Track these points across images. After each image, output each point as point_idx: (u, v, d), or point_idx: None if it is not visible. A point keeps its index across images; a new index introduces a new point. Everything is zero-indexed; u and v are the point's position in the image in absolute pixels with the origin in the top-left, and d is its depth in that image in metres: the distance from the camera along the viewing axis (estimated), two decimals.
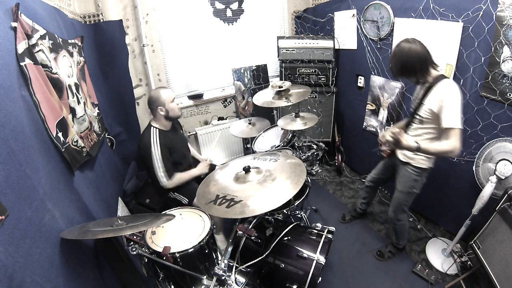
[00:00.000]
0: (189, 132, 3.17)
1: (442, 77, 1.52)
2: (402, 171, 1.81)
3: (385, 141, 1.55)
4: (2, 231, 0.77)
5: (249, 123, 2.69)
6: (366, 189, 2.33)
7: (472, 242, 1.69)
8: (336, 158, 3.26)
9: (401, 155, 1.81)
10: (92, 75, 1.99)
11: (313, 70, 3.03)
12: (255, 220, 1.65)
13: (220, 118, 3.28)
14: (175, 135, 2.05)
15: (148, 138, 1.85)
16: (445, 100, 1.45)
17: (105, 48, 2.35)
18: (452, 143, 1.43)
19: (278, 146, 2.41)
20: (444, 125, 1.45)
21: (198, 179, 2.02)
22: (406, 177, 1.78)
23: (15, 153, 0.88)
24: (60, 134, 1.20)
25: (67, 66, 1.47)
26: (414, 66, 1.50)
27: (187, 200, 2.03)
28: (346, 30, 2.81)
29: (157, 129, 1.90)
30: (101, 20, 2.30)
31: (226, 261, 1.40)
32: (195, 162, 2.26)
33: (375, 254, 2.14)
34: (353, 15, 2.64)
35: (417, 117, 1.62)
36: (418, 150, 1.48)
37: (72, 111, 1.43)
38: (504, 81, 1.64)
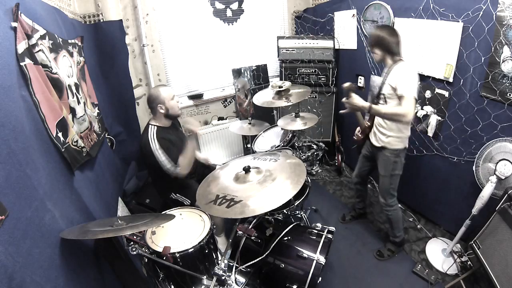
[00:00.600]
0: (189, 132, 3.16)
1: (401, 60, 1.74)
2: (381, 156, 1.92)
3: (345, 102, 1.75)
4: (2, 231, 0.77)
5: (249, 123, 2.68)
6: (356, 186, 2.37)
7: (472, 242, 1.69)
8: (336, 158, 3.26)
9: (375, 141, 1.92)
10: (92, 75, 1.99)
11: (313, 70, 3.03)
12: (255, 220, 1.65)
13: (220, 118, 3.28)
14: (174, 132, 2.04)
15: (146, 137, 1.85)
16: (401, 74, 1.64)
17: (105, 48, 2.35)
18: (403, 107, 1.57)
19: (278, 146, 2.41)
20: (397, 93, 1.62)
21: (199, 180, 2.01)
22: (385, 161, 1.89)
23: (15, 153, 0.88)
24: (60, 134, 1.20)
25: (67, 66, 1.47)
26: (389, 43, 1.71)
27: (189, 201, 2.02)
28: (346, 30, 2.81)
29: (155, 126, 1.89)
30: (101, 20, 2.31)
31: (226, 261, 1.41)
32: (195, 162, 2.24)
33: (375, 254, 2.15)
34: (353, 15, 2.64)
35: (381, 96, 1.80)
36: (370, 109, 1.67)
37: (72, 111, 1.44)
38: (504, 81, 1.64)
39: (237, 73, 3.18)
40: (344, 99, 1.76)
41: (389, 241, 2.15)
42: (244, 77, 3.18)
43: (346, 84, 1.71)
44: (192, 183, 2.10)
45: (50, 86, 1.19)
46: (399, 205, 2.06)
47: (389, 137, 1.83)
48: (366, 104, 1.68)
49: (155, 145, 1.82)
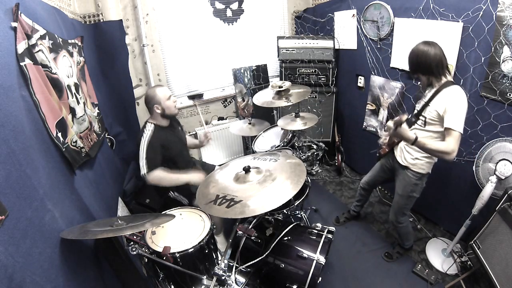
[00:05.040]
0: (189, 132, 3.17)
1: (452, 83, 1.54)
2: (402, 175, 1.81)
3: (387, 129, 1.57)
4: (2, 231, 0.77)
5: (249, 123, 2.69)
6: (361, 191, 2.31)
7: (472, 242, 1.69)
8: (336, 158, 3.26)
9: (400, 158, 1.81)
10: (92, 75, 1.99)
11: (313, 70, 3.03)
12: (255, 220, 1.65)
13: (220, 118, 3.29)
14: (172, 132, 2.04)
15: (141, 132, 1.86)
16: (452, 103, 1.46)
17: (105, 48, 2.35)
18: (449, 145, 1.43)
19: (278, 146, 2.41)
20: (445, 125, 1.46)
21: None
22: (406, 181, 1.78)
23: (15, 153, 0.88)
24: (59, 134, 1.20)
25: (67, 66, 1.47)
26: (430, 65, 1.52)
27: (187, 201, 2.02)
28: (346, 30, 2.81)
29: (153, 124, 1.90)
30: (101, 20, 2.30)
31: (226, 261, 1.40)
32: (196, 167, 2.23)
33: (383, 256, 2.14)
34: (353, 15, 2.64)
35: (421, 118, 1.62)
36: (415, 142, 1.48)
37: (72, 111, 1.43)
38: (504, 81, 1.64)
39: (234, 78, 3.19)
40: (391, 131, 1.53)
41: (399, 245, 2.15)
42: (241, 81, 3.19)
43: (404, 117, 1.47)
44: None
45: (49, 86, 1.19)
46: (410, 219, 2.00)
47: (416, 159, 1.70)
48: (412, 136, 1.47)
49: (144, 140, 1.82)
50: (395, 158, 1.86)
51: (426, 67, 1.54)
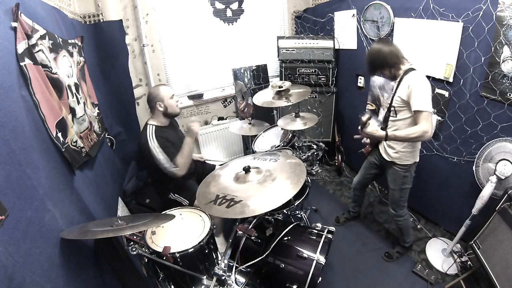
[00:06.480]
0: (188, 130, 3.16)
1: (411, 69, 1.62)
2: (390, 169, 1.87)
3: (362, 132, 1.69)
4: (2, 231, 0.77)
5: (249, 123, 2.68)
6: (354, 191, 2.35)
7: (472, 242, 1.69)
8: (336, 158, 3.26)
9: (385, 155, 1.86)
10: (92, 75, 1.99)
11: (313, 70, 3.03)
12: (255, 220, 1.65)
13: (220, 118, 3.28)
14: (172, 131, 2.05)
15: (145, 137, 1.85)
16: (412, 86, 1.54)
17: (105, 48, 2.35)
18: (421, 127, 1.50)
19: (278, 146, 2.41)
20: (413, 108, 1.53)
21: (199, 180, 2.01)
22: (395, 175, 1.84)
23: (15, 153, 0.88)
24: (59, 134, 1.20)
25: (67, 66, 1.47)
26: (384, 62, 1.63)
27: (188, 202, 2.02)
28: (346, 30, 2.81)
29: (153, 126, 1.90)
30: (101, 20, 2.30)
31: (226, 261, 1.40)
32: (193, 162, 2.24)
33: (384, 256, 2.14)
34: (353, 15, 2.64)
35: (392, 108, 1.71)
36: (386, 137, 1.60)
37: (72, 111, 1.43)
38: (504, 81, 1.64)
39: (234, 76, 3.19)
40: (359, 129, 1.69)
41: (399, 245, 2.15)
42: (241, 79, 3.19)
43: (364, 118, 1.64)
44: (191, 183, 2.11)
45: (49, 86, 1.19)
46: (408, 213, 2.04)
47: (399, 152, 1.75)
48: (382, 133, 1.62)
49: (153, 143, 1.82)
50: (381, 154, 1.91)
51: (382, 62, 1.63)
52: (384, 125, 1.81)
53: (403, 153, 1.75)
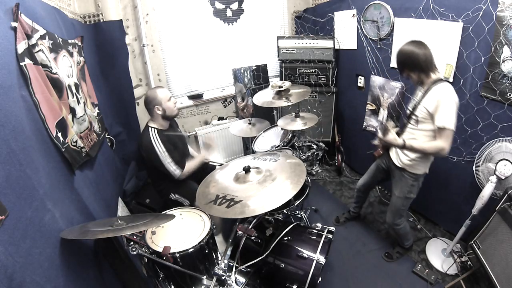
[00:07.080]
0: (189, 132, 3.17)
1: (441, 80, 1.54)
2: (398, 176, 1.81)
3: (377, 138, 1.66)
4: (2, 231, 0.77)
5: (249, 123, 2.68)
6: (358, 193, 2.32)
7: (472, 242, 1.69)
8: (336, 158, 3.26)
9: (396, 160, 1.80)
10: (92, 75, 1.99)
11: (313, 70, 3.03)
12: (255, 220, 1.65)
13: (220, 118, 3.28)
14: (172, 133, 2.05)
15: (148, 139, 1.85)
16: (441, 101, 1.47)
17: (105, 48, 2.35)
18: (439, 144, 1.47)
19: (278, 146, 2.41)
20: (437, 124, 1.48)
21: (199, 180, 2.02)
22: (403, 182, 1.79)
23: (15, 153, 0.88)
24: (59, 134, 1.20)
25: (67, 66, 1.47)
26: (418, 62, 1.53)
27: (188, 202, 2.02)
28: (346, 30, 2.81)
29: (155, 129, 1.90)
30: (101, 20, 2.30)
31: (226, 261, 1.41)
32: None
33: (384, 256, 2.13)
34: (353, 15, 2.64)
35: (413, 117, 1.64)
36: (403, 146, 1.57)
37: (72, 111, 1.43)
38: (504, 81, 1.64)
39: (234, 77, 3.19)
40: (379, 135, 1.68)
41: (398, 245, 2.15)
42: (241, 81, 3.19)
43: (389, 125, 1.64)
44: (191, 183, 2.11)
45: (50, 86, 1.19)
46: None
47: (412, 160, 1.69)
48: (400, 141, 1.58)
49: (160, 148, 1.84)
50: (391, 160, 1.86)
51: (414, 64, 1.54)
52: (401, 131, 1.76)
53: (416, 162, 1.69)
